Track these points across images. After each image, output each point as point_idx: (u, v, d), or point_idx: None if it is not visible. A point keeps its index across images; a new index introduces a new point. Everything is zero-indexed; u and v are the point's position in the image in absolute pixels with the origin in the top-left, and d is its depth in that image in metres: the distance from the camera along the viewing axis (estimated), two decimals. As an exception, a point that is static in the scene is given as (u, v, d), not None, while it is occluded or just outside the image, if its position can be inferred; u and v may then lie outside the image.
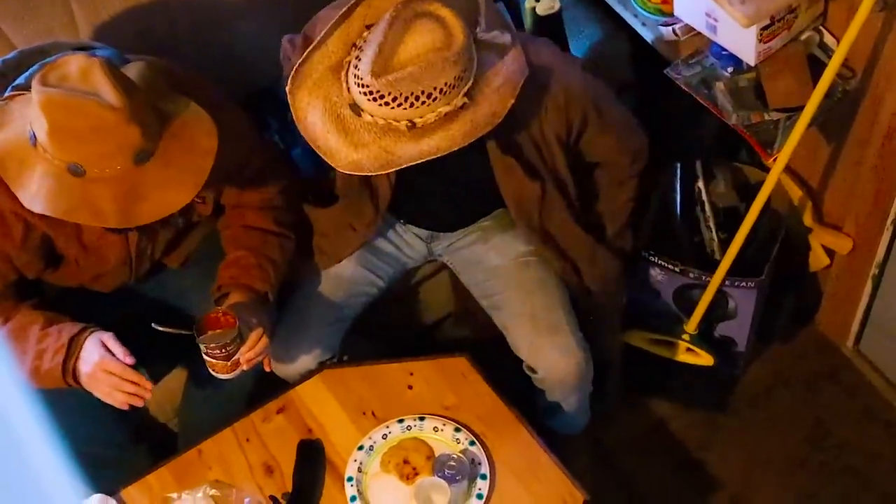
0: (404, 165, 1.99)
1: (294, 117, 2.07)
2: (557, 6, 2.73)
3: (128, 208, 1.95)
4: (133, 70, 2.02)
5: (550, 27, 2.75)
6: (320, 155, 2.05)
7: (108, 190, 1.92)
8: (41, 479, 0.58)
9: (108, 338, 2.14)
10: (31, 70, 2.03)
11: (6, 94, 2.02)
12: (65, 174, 1.90)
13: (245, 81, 2.71)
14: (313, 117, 2.04)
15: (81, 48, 2.13)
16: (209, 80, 2.27)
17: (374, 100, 1.95)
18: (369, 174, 2.03)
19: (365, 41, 1.99)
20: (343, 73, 2.03)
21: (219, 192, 2.36)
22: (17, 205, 1.99)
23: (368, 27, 2.02)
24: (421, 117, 1.96)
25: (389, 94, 1.93)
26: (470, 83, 1.99)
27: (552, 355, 2.52)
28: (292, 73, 2.05)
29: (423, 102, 1.94)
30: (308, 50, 2.05)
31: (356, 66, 1.97)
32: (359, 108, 1.99)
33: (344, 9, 2.05)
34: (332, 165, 2.04)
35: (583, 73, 2.37)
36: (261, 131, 2.61)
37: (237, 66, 2.72)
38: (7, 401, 0.57)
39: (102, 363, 2.11)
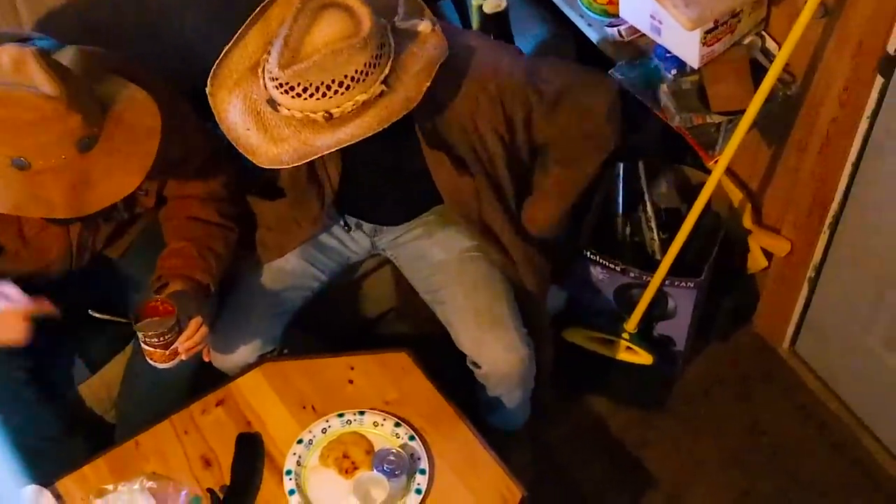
0: (321, 154, 1.99)
1: (216, 117, 2.08)
2: (504, 5, 2.74)
3: (77, 197, 1.93)
4: (66, 56, 1.99)
5: (497, 26, 2.76)
6: (242, 153, 2.05)
7: (55, 181, 1.90)
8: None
9: (7, 287, 2.10)
10: None
11: None
12: (9, 169, 1.88)
13: (192, 73, 2.69)
14: (234, 116, 2.05)
15: (20, 39, 2.09)
16: (152, 71, 2.25)
17: (286, 92, 1.95)
18: (288, 166, 2.02)
19: (276, 36, 2.00)
20: (260, 70, 2.03)
21: (162, 184, 2.34)
22: None
23: None
24: (338, 107, 1.96)
25: (299, 84, 1.93)
26: (386, 71, 1.99)
27: (496, 350, 2.53)
28: (211, 73, 2.05)
29: (336, 91, 1.94)
30: (225, 49, 2.06)
31: (267, 61, 1.98)
32: (276, 103, 1.99)
33: (259, 8, 2.06)
34: (254, 163, 2.04)
35: (512, 58, 2.34)
36: (206, 123, 2.59)
37: (184, 58, 2.69)
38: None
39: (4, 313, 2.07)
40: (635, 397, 3.15)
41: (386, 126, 2.00)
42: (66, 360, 2.56)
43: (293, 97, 1.95)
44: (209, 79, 2.05)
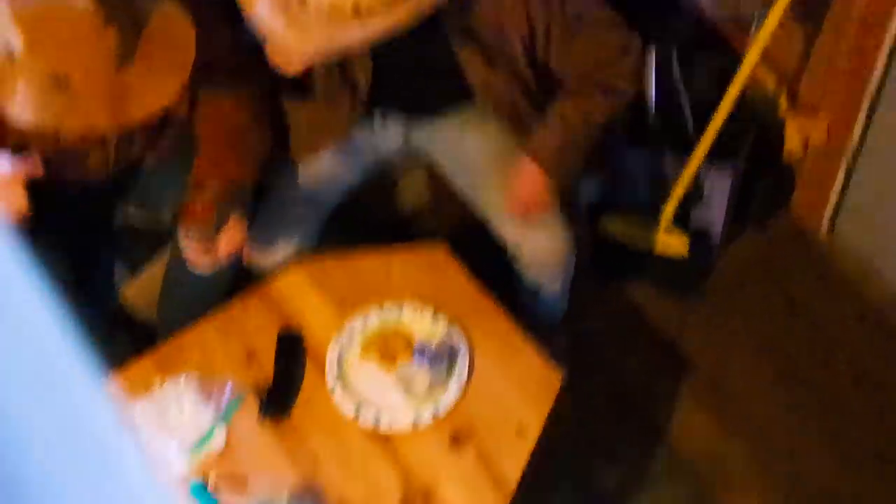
0: (350, 50, 1.97)
1: (242, 12, 2.04)
2: None
3: (116, 112, 1.93)
4: None
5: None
6: (266, 49, 2.03)
7: (95, 96, 1.91)
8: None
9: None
10: None
11: None
12: (48, 85, 1.88)
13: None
14: (262, 10, 2.00)
15: None
16: None
17: None
18: (317, 62, 1.99)
19: None
20: None
21: (195, 88, 2.34)
22: None
23: None
24: (366, 0, 1.92)
25: None
26: None
27: (537, 239, 2.54)
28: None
29: None
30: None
31: None
32: None
33: None
34: (276, 60, 2.02)
35: None
36: (235, 24, 2.58)
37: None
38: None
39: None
40: (672, 287, 3.16)
41: (417, 20, 1.97)
42: (108, 263, 2.59)
43: None
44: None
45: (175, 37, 1.99)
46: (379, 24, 1.95)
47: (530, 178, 2.46)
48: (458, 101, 2.57)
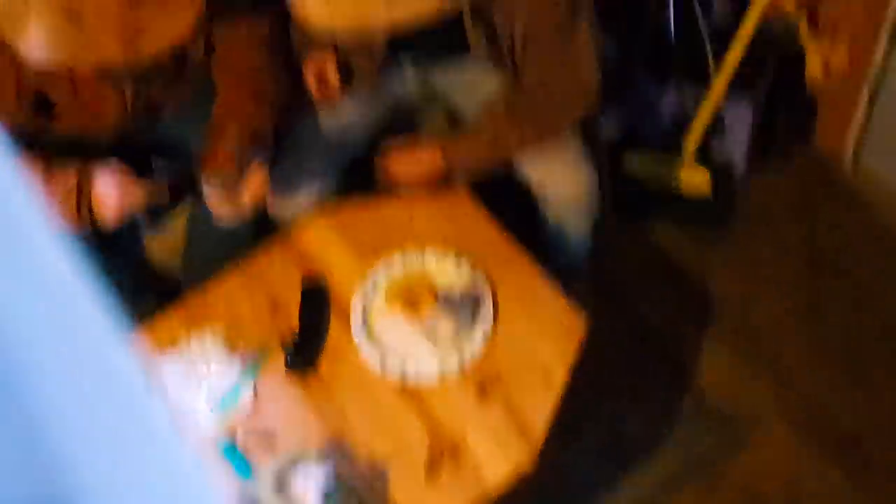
0: (375, 32, 1.96)
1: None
2: None
3: (130, 45, 1.92)
4: None
5: None
6: (296, 16, 1.99)
7: (107, 30, 1.90)
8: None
9: (118, 164, 2.16)
10: None
11: None
12: (61, 21, 1.87)
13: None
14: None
15: None
16: None
17: None
18: (344, 41, 1.96)
19: None
20: None
21: (209, 33, 2.33)
22: (8, 62, 1.96)
23: None
24: None
25: None
26: None
27: (562, 175, 2.53)
28: None
29: None
30: None
31: None
32: None
33: None
34: (307, 30, 1.99)
35: None
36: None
37: None
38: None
39: (127, 194, 2.15)
40: (696, 224, 3.13)
41: (445, 12, 1.94)
42: (132, 217, 2.59)
43: None
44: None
45: None
46: (407, 9, 1.92)
47: (426, 163, 2.45)
48: (467, 59, 2.54)
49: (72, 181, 2.14)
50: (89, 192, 2.14)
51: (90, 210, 2.15)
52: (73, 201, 2.13)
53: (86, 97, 2.20)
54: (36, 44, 1.88)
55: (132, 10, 1.90)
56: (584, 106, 2.39)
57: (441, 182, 2.47)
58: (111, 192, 2.14)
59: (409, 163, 2.46)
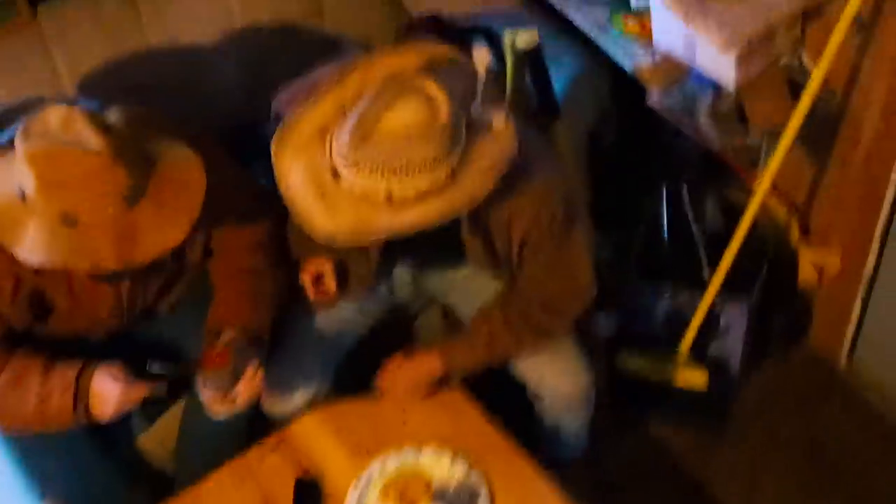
0: (377, 237, 1.98)
1: (276, 178, 2.06)
2: (537, 40, 2.72)
3: (125, 250, 1.95)
4: (114, 115, 2.03)
5: (531, 61, 2.75)
6: (298, 220, 2.03)
7: (103, 235, 1.93)
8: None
9: (117, 371, 2.16)
10: (13, 127, 2.04)
11: None
12: (58, 225, 1.91)
13: (227, 123, 2.73)
14: (294, 180, 2.02)
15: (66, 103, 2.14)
16: (191, 124, 2.28)
17: (351, 167, 1.92)
18: (343, 245, 2.00)
19: (352, 109, 1.97)
20: (328, 137, 2.00)
21: (207, 236, 2.37)
22: (8, 261, 1.99)
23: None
24: (400, 191, 1.91)
25: (366, 163, 1.89)
26: (454, 163, 1.95)
27: (557, 377, 2.53)
28: (277, 132, 2.04)
29: (400, 175, 1.90)
30: (298, 112, 2.04)
31: (337, 133, 1.95)
32: (338, 175, 1.96)
33: (338, 73, 2.05)
34: (308, 233, 2.02)
35: (565, 190, 2.29)
36: (246, 171, 2.63)
37: (219, 109, 2.73)
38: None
39: (127, 393, 2.14)
40: (692, 420, 3.12)
41: (445, 218, 1.97)
42: (124, 413, 2.59)
43: (357, 174, 1.91)
44: (275, 138, 2.04)
45: (185, 177, 2.02)
46: (409, 218, 1.95)
47: (427, 373, 2.47)
48: (461, 263, 2.58)
49: (70, 376, 2.15)
50: (87, 389, 2.15)
51: (86, 407, 2.15)
52: (70, 396, 2.14)
53: (82, 296, 2.23)
54: (32, 247, 1.92)
55: (128, 215, 1.94)
56: (580, 309, 2.42)
57: (438, 384, 2.48)
58: (111, 391, 2.14)
59: (407, 374, 2.47)
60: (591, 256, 2.36)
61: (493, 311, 2.44)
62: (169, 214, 1.99)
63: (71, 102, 2.13)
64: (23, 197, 1.91)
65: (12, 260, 1.96)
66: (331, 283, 2.47)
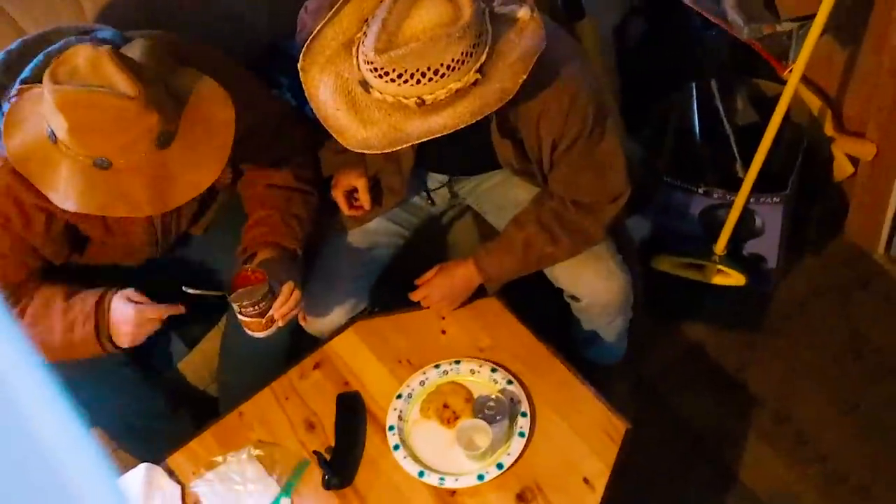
0: (412, 143, 1.93)
1: (306, 94, 2.02)
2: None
3: (160, 193, 1.94)
4: (136, 50, 1.99)
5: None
6: (330, 132, 2.00)
7: (137, 178, 1.91)
8: (69, 462, 0.58)
9: (132, 293, 2.17)
10: (36, 61, 2.01)
11: (14, 90, 2.00)
12: (91, 169, 1.89)
13: (251, 42, 2.70)
14: (324, 94, 1.99)
15: (83, 32, 2.11)
16: (212, 47, 2.25)
17: (381, 76, 1.89)
18: (378, 152, 1.99)
19: (373, 17, 1.93)
20: (354, 49, 1.97)
21: (237, 158, 2.36)
22: (39, 197, 1.98)
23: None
24: (431, 94, 1.89)
25: (394, 70, 1.87)
26: (482, 59, 1.91)
27: (594, 281, 2.52)
28: (304, 48, 2.00)
29: (430, 79, 1.87)
30: (320, 26, 2.00)
31: (363, 43, 1.92)
32: (368, 85, 1.93)
33: None
34: (342, 144, 1.99)
35: (595, 88, 2.23)
36: (271, 90, 2.60)
37: (241, 28, 2.70)
38: (27, 385, 0.57)
39: (141, 314, 2.14)
40: (731, 319, 3.12)
41: (480, 118, 1.93)
42: (164, 339, 2.60)
43: (387, 81, 1.89)
44: (302, 54, 2.00)
45: (215, 115, 1.99)
46: (441, 120, 1.92)
47: (464, 282, 2.46)
48: (493, 168, 2.55)
49: (90, 305, 2.16)
50: (107, 319, 2.16)
51: (109, 335, 2.17)
52: (92, 325, 2.14)
53: (115, 228, 2.23)
54: (67, 192, 1.90)
55: (161, 158, 1.92)
56: (615, 210, 2.39)
57: (475, 293, 2.48)
58: (126, 315, 2.15)
59: (444, 283, 2.46)
60: (623, 157, 2.33)
61: (527, 215, 2.43)
62: (201, 155, 1.97)
63: (88, 32, 2.11)
64: (54, 139, 1.89)
65: (44, 197, 1.96)
66: (365, 198, 2.46)
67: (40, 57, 1.99)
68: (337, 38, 2.00)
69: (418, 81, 1.87)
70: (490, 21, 1.94)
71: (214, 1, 2.70)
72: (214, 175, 1.98)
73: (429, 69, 1.86)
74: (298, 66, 2.01)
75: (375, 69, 1.88)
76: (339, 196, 2.45)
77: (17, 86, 1.98)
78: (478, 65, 1.90)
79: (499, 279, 2.47)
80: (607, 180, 2.34)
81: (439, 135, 1.91)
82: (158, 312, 2.16)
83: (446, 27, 1.85)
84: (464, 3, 1.87)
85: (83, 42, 1.95)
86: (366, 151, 1.97)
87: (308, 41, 2.00)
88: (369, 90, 1.93)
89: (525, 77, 1.94)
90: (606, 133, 2.26)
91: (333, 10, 1.98)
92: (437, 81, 1.87)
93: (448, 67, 1.86)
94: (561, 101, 2.15)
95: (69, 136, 1.86)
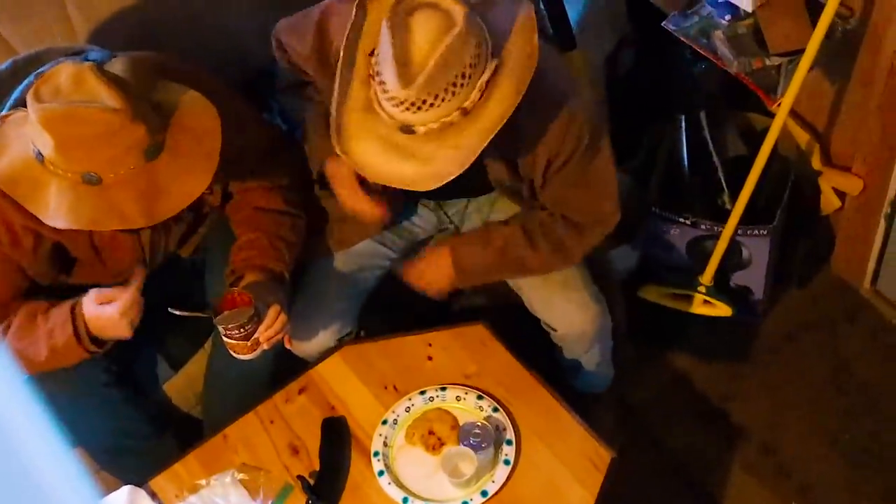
0: (479, 150, 1.92)
1: (358, 170, 2.02)
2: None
3: (150, 205, 1.94)
4: (118, 66, 2.00)
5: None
6: (404, 189, 2.00)
7: (126, 192, 1.91)
8: (51, 482, 0.59)
9: (96, 293, 2.14)
10: (26, 82, 2.01)
11: (1, 114, 1.99)
12: (81, 186, 1.89)
13: (242, 65, 2.71)
14: (375, 159, 1.97)
15: (75, 53, 2.12)
16: (203, 69, 2.26)
17: (420, 108, 1.87)
18: (454, 177, 1.94)
19: (377, 59, 1.92)
20: (376, 103, 1.94)
21: (226, 180, 2.36)
22: (27, 218, 1.98)
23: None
24: (467, 99, 1.88)
25: (430, 93, 1.85)
26: (490, 42, 1.91)
27: (568, 311, 2.52)
28: (334, 131, 1.98)
29: (462, 84, 1.86)
30: (335, 107, 1.97)
31: (384, 90, 1.89)
32: (409, 127, 1.91)
33: (346, 42, 2.00)
34: (419, 193, 2.02)
35: (590, 112, 2.24)
36: (261, 113, 2.60)
37: (233, 50, 2.71)
38: (11, 405, 0.58)
39: (122, 306, 2.11)
40: (718, 350, 3.13)
41: (524, 89, 1.92)
42: (149, 361, 2.60)
43: (426, 110, 1.87)
44: (336, 138, 1.98)
45: (201, 126, 2.00)
46: (491, 116, 1.91)
47: (438, 270, 2.49)
48: (484, 191, 2.56)
49: (66, 309, 2.14)
50: (82, 316, 2.14)
51: (89, 334, 2.15)
52: (70, 327, 2.13)
53: (103, 248, 2.23)
54: (57, 210, 1.90)
55: (149, 170, 1.92)
56: (602, 233, 2.41)
57: (451, 287, 2.50)
58: (110, 314, 2.11)
59: (421, 264, 2.50)
60: (615, 181, 2.34)
61: (514, 219, 2.45)
62: (189, 165, 1.97)
63: (79, 53, 2.11)
64: (41, 159, 1.89)
65: (32, 217, 1.96)
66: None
67: (31, 78, 2.00)
68: (356, 108, 1.98)
69: (454, 94, 1.86)
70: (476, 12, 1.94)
71: (207, 23, 2.71)
72: (204, 184, 1.98)
73: (457, 76, 1.85)
74: (339, 151, 1.99)
75: (413, 104, 1.86)
76: (360, 198, 2.43)
77: (7, 108, 1.99)
78: (490, 49, 1.91)
79: (469, 272, 2.47)
80: (598, 200, 2.35)
81: (500, 127, 1.91)
82: (129, 292, 2.12)
83: (449, 31, 1.84)
84: (448, 5, 1.87)
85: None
86: (442, 183, 1.95)
87: (334, 126, 1.98)
88: (413, 130, 1.91)
89: (535, 37, 1.94)
90: (601, 152, 2.27)
91: (338, 85, 1.97)
92: (468, 84, 1.87)
93: (471, 66, 1.87)
94: (560, 117, 2.15)
95: (56, 153, 1.86)
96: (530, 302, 2.57)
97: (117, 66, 1.99)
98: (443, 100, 1.86)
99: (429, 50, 1.84)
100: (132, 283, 2.13)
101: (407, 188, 1.98)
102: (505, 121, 1.91)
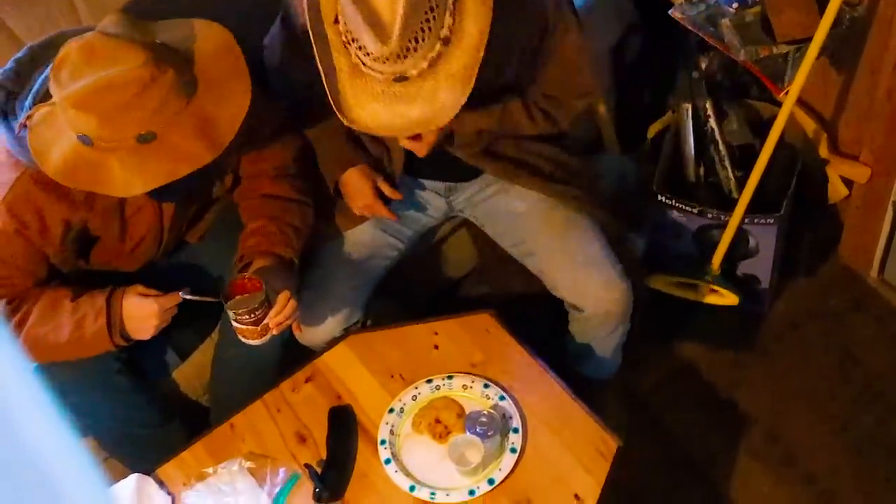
0: (476, 69, 1.95)
1: (372, 132, 2.07)
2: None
3: (209, 137, 1.96)
4: (112, 29, 1.98)
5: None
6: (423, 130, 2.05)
7: (183, 135, 1.93)
8: (59, 471, 0.59)
9: (142, 288, 2.21)
10: (42, 77, 2.01)
11: (24, 116, 1.98)
12: (139, 147, 1.90)
13: (250, 49, 2.70)
14: (382, 117, 2.01)
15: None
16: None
17: (405, 57, 1.91)
18: (460, 106, 1.97)
19: (344, 27, 1.96)
20: (361, 66, 1.97)
21: (236, 162, 2.37)
22: (60, 205, 2.02)
23: None
24: (443, 27, 1.92)
25: (409, 39, 1.89)
26: None
27: (596, 290, 2.52)
28: (334, 102, 2.01)
29: (434, 17, 1.90)
30: (325, 76, 2.00)
31: (366, 54, 1.93)
32: (402, 76, 1.94)
33: (307, 12, 2.02)
34: (440, 127, 2.05)
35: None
36: (269, 96, 2.61)
37: (241, 34, 2.71)
38: (19, 393, 0.58)
39: (161, 305, 2.19)
40: (724, 339, 3.12)
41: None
42: (157, 349, 2.61)
43: (412, 55, 1.91)
44: (339, 112, 2.01)
45: (218, 44, 2.03)
46: (472, 32, 1.95)
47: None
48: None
49: (100, 301, 2.18)
50: (119, 311, 2.18)
51: (121, 329, 2.18)
52: (104, 319, 2.16)
53: (130, 212, 2.24)
54: (128, 180, 1.92)
55: (194, 108, 1.94)
56: (581, 105, 2.50)
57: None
58: (146, 307, 2.18)
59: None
60: (590, 55, 2.38)
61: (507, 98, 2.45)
62: (227, 89, 2.00)
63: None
64: (89, 142, 1.89)
65: (66, 207, 1.97)
66: (388, 189, 2.48)
67: (47, 71, 1.99)
68: (343, 78, 2.01)
69: (430, 28, 1.91)
70: None
71: (219, 11, 2.71)
72: (247, 99, 2.00)
73: (426, 12, 1.89)
74: (346, 123, 2.02)
75: (398, 56, 1.91)
76: (380, 209, 2.49)
77: (27, 106, 1.98)
78: None
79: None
80: (574, 76, 2.38)
81: (485, 41, 1.94)
82: (172, 300, 2.20)
83: None
84: None
85: None
86: (455, 113, 1.99)
87: (333, 103, 2.01)
88: (406, 76, 1.95)
89: None
90: (570, 27, 2.31)
91: (319, 61, 2.00)
92: (439, 15, 1.91)
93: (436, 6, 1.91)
94: (526, 5, 2.20)
95: (102, 128, 1.87)
96: (555, 283, 2.57)
97: (110, 29, 1.98)
98: (423, 39, 1.91)
99: (391, 2, 1.87)
100: (172, 294, 2.21)
101: (427, 130, 2.04)
102: (487, 35, 1.95)
